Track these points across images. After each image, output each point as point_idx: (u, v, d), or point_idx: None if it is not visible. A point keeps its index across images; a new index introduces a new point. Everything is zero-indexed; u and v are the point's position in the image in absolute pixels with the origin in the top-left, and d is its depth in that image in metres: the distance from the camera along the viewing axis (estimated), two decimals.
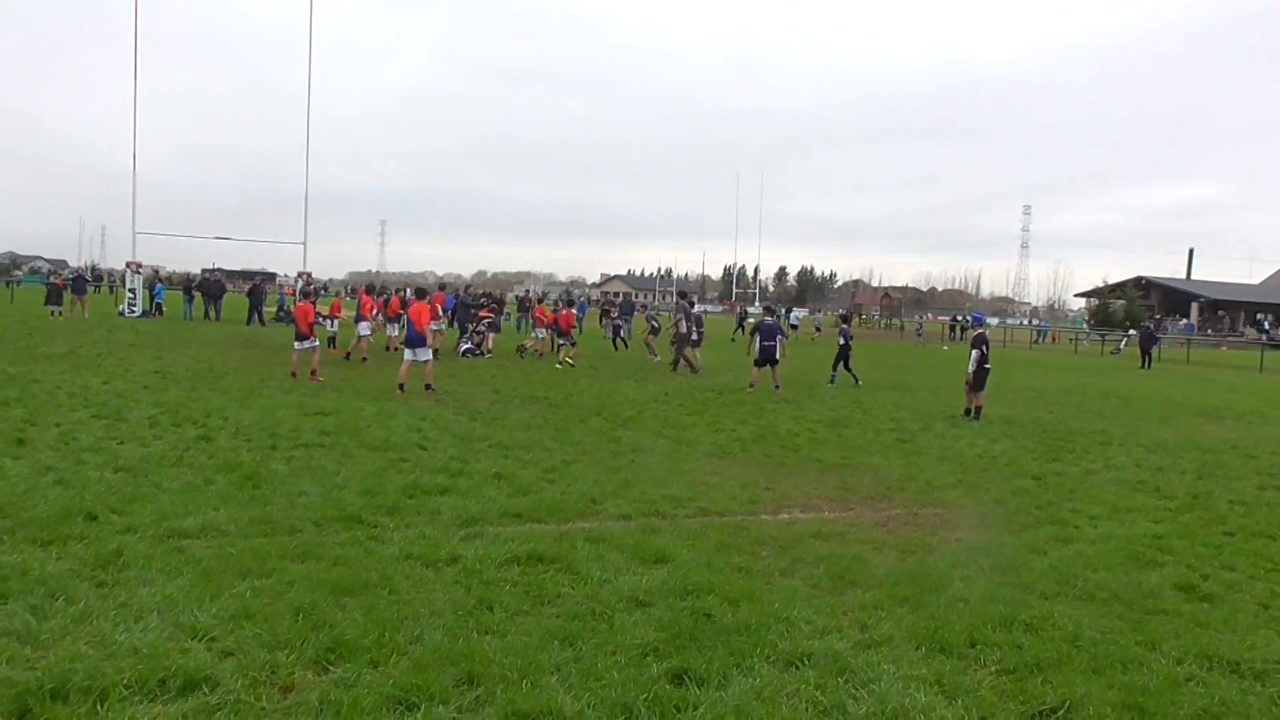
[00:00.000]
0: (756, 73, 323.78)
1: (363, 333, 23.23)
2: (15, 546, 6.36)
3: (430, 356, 17.31)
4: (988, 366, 16.91)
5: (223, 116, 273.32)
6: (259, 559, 6.32)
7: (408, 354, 17.24)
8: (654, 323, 29.65)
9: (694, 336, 25.96)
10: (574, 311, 29.04)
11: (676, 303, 25.38)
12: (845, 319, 27.90)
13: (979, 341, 17.16)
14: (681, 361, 24.20)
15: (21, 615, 5.11)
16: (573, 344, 25.69)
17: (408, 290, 25.54)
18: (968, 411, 16.97)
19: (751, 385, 20.36)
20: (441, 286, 24.34)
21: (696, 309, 25.55)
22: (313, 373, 17.81)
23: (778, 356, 20.51)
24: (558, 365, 23.95)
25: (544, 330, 27.38)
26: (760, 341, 20.55)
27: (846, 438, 13.88)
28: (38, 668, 4.52)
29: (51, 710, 4.08)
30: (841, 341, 24.00)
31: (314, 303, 19.26)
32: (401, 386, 16.64)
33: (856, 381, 23.28)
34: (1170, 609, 6.39)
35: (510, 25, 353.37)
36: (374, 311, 23.96)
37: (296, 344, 18.40)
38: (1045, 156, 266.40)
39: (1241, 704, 4.86)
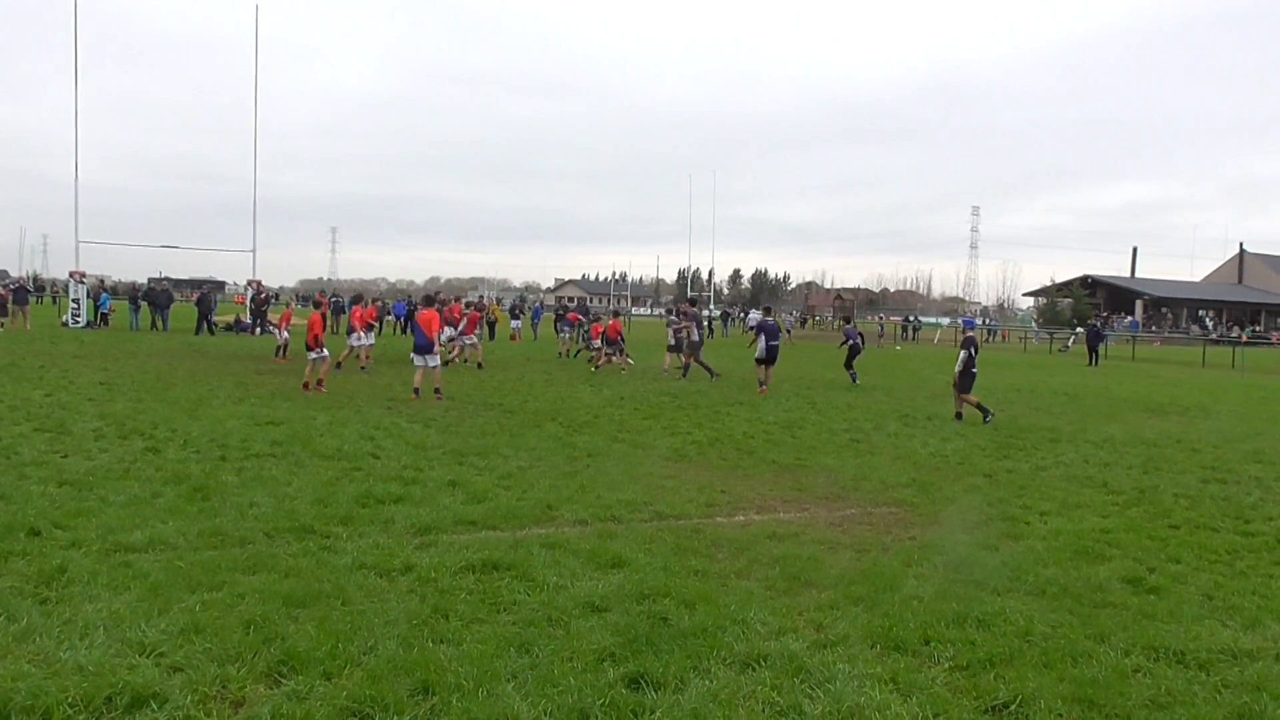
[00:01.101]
0: (709, 77, 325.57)
1: (353, 344, 23.52)
2: None
3: (438, 363, 17.66)
4: (974, 370, 17.15)
5: (168, 123, 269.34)
6: (209, 572, 6.22)
7: (416, 360, 17.50)
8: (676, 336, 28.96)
9: (671, 341, 26.17)
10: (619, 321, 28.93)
11: (687, 310, 25.56)
12: (848, 320, 28.90)
13: (969, 344, 17.41)
14: (691, 367, 24.30)
15: None
16: (622, 352, 26.19)
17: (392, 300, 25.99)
18: (959, 415, 17.12)
19: (762, 385, 20.62)
20: (456, 299, 24.36)
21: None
22: (319, 382, 17.99)
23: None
24: (623, 370, 25.18)
25: (597, 341, 27.38)
26: (766, 341, 20.90)
27: (801, 439, 13.97)
28: None
29: None
30: (851, 342, 24.89)
31: (323, 315, 19.30)
32: (416, 391, 17.16)
33: (854, 380, 23.70)
34: (1118, 602, 6.50)
35: (461, 28, 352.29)
36: (364, 323, 23.91)
37: (310, 354, 18.31)
38: (994, 158, 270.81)
39: (1187, 694, 4.96)
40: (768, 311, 24.64)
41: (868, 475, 11.10)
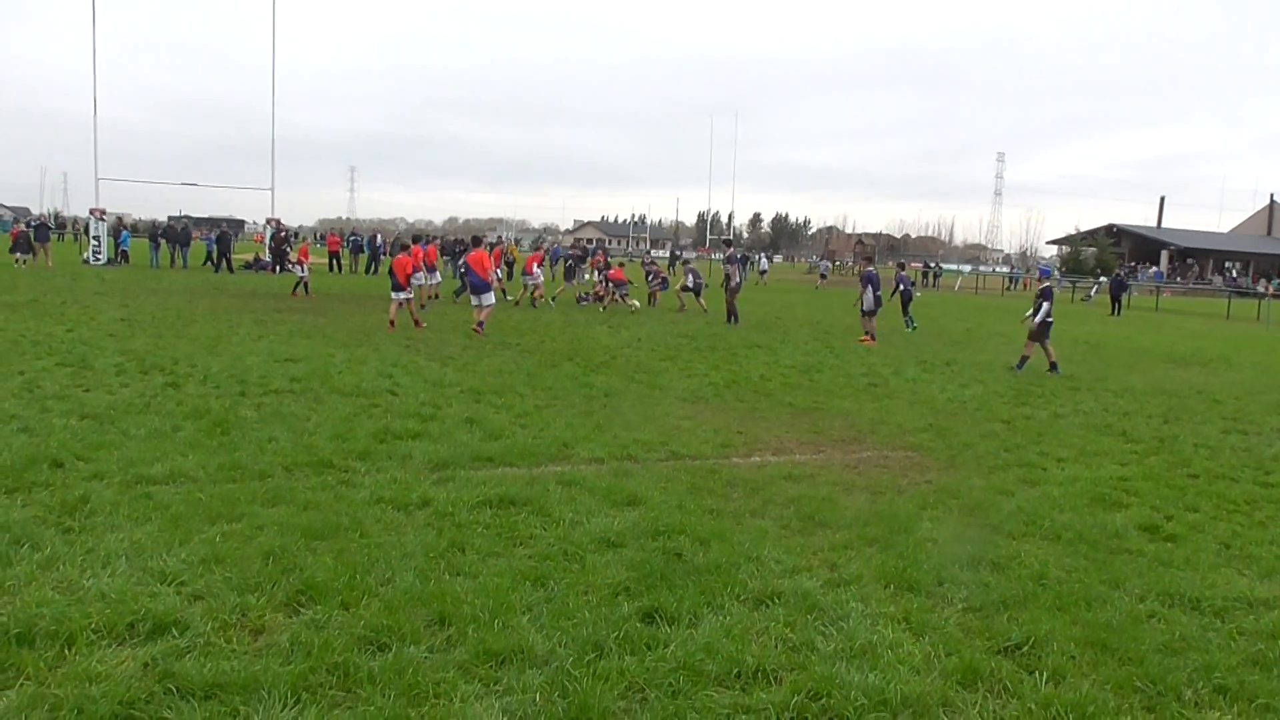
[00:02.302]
0: (733, 17, 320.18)
1: (418, 283, 23.59)
2: None
3: (492, 301, 18.53)
4: (1050, 320, 16.91)
5: (188, 60, 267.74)
6: (228, 504, 6.28)
7: (473, 298, 18.51)
8: (697, 280, 28.56)
9: (690, 284, 26.26)
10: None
11: (730, 254, 25.73)
12: (902, 267, 29.28)
13: (1047, 294, 17.16)
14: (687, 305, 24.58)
15: None
16: (624, 294, 26.67)
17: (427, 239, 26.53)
18: (1022, 361, 16.85)
19: (869, 336, 20.69)
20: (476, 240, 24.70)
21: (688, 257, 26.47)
22: (416, 322, 18.82)
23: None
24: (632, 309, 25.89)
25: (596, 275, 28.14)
26: (873, 291, 20.86)
27: (818, 383, 13.94)
28: (2, 613, 4.47)
29: (17, 655, 4.04)
30: (903, 289, 25.18)
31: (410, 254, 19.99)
32: (480, 324, 17.94)
33: (911, 326, 24.10)
34: (1134, 549, 6.48)
35: None
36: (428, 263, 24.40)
37: (394, 294, 18.89)
38: (1022, 105, 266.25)
39: (1201, 639, 4.95)
40: (869, 261, 24.59)
41: (884, 419, 11.07)
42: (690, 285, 27.08)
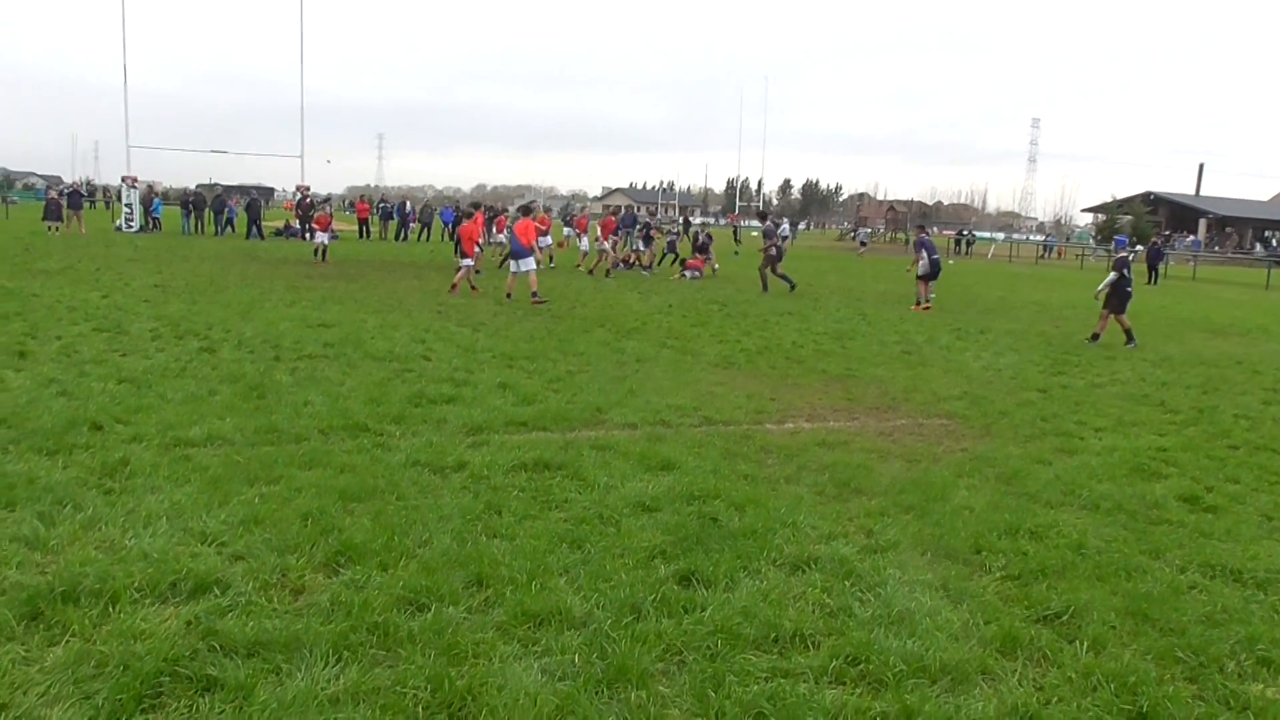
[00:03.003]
0: None
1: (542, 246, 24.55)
2: (21, 456, 6.36)
3: (533, 268, 18.40)
4: (1129, 290, 16.36)
5: (218, 28, 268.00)
6: (266, 466, 6.33)
7: (512, 265, 18.56)
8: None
9: (702, 240, 26.26)
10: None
11: (768, 228, 25.61)
12: (923, 229, 29.27)
13: (1121, 264, 16.80)
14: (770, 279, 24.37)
15: (30, 522, 5.11)
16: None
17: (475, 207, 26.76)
18: (1095, 336, 16.40)
19: (922, 302, 20.57)
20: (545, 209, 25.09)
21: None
22: (452, 287, 19.16)
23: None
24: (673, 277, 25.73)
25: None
26: (929, 256, 20.70)
27: (851, 350, 13.85)
28: (48, 572, 4.53)
29: (63, 612, 4.10)
30: (934, 257, 24.72)
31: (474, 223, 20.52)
32: (509, 294, 18.02)
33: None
34: (1174, 519, 6.40)
35: None
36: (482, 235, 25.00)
37: (460, 261, 19.52)
38: (1057, 70, 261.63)
39: (1243, 611, 4.89)
40: (922, 229, 24.40)
41: (919, 387, 10.99)
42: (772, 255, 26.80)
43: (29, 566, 4.60)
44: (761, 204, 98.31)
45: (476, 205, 25.95)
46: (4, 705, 3.41)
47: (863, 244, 57.62)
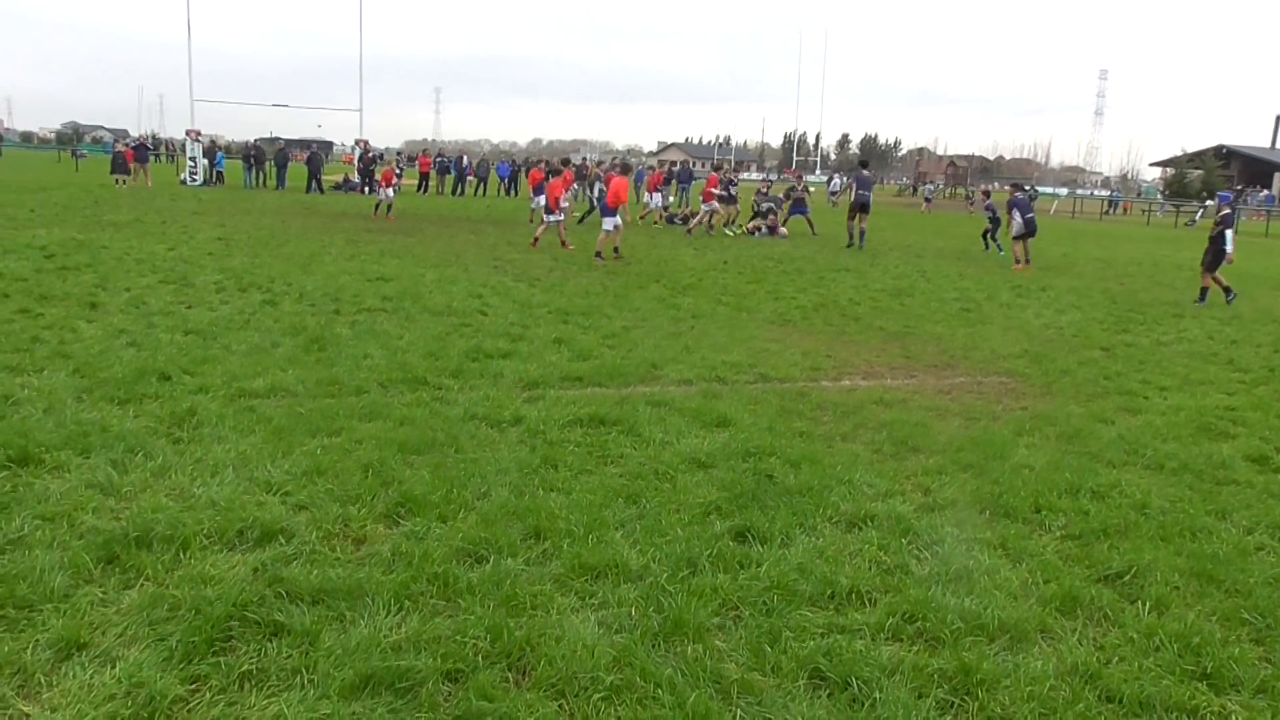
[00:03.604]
0: None
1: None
2: (94, 404, 6.54)
3: (609, 229, 18.37)
4: (1225, 249, 15.97)
5: None
6: (327, 418, 6.44)
7: (605, 223, 18.52)
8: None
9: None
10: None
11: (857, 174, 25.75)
12: (987, 194, 29.00)
13: (1226, 221, 16.35)
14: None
15: (104, 469, 5.27)
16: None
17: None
18: (1204, 293, 15.99)
19: (1022, 261, 20.42)
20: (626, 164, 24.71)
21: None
22: (563, 243, 19.38)
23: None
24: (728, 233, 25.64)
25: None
26: (1022, 215, 20.54)
27: (909, 307, 13.67)
28: (121, 518, 4.68)
29: (137, 557, 4.23)
30: (990, 215, 24.77)
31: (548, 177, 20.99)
32: (603, 253, 17.96)
33: (989, 248, 24.04)
34: (1242, 480, 6.26)
35: None
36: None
37: (546, 217, 19.63)
38: (1125, 18, 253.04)
39: None
40: (1017, 187, 24.01)
41: (978, 345, 10.83)
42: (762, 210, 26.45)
43: (104, 512, 4.75)
44: (819, 157, 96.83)
45: (566, 162, 25.97)
46: (85, 644, 3.54)
47: (927, 200, 56.47)
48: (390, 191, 25.94)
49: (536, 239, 19.67)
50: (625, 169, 22.53)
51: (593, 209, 25.12)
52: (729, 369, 8.72)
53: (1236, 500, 5.83)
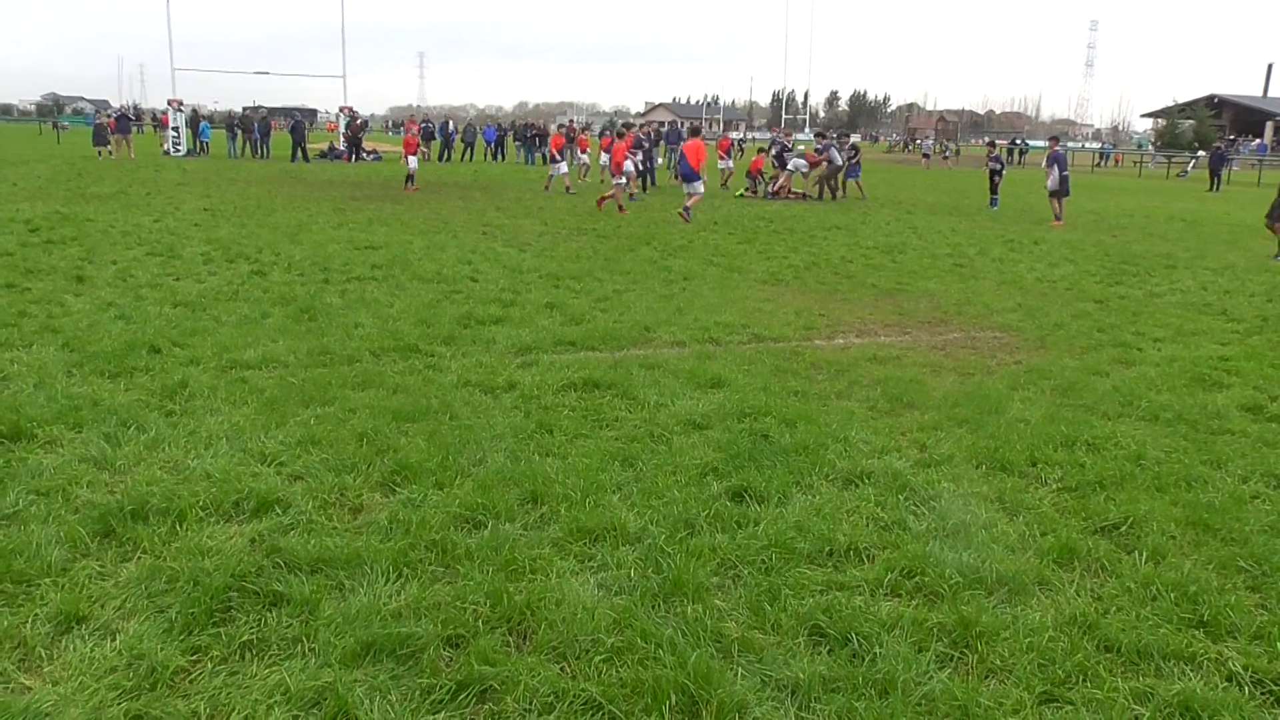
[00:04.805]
0: None
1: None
2: (85, 379, 6.50)
3: (701, 190, 19.17)
4: None
5: None
6: (320, 388, 6.41)
7: (685, 187, 19.12)
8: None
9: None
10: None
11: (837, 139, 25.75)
12: (992, 145, 28.97)
13: None
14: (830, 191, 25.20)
15: (97, 443, 5.24)
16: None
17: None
18: None
19: (1058, 218, 20.44)
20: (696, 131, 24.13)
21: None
22: (619, 207, 19.86)
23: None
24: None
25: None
26: (1059, 172, 20.43)
27: (902, 263, 13.64)
28: (116, 491, 4.66)
29: (133, 530, 4.21)
30: (996, 167, 24.73)
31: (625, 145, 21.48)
32: (686, 211, 18.50)
33: (993, 205, 23.94)
34: (1236, 429, 6.28)
35: None
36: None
37: (615, 180, 20.58)
38: None
39: None
40: (1056, 141, 23.89)
41: (971, 300, 10.81)
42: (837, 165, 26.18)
43: (99, 486, 4.73)
44: (807, 116, 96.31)
45: (629, 125, 26.25)
46: (85, 617, 3.53)
47: (926, 155, 55.75)
48: (414, 161, 24.88)
49: (602, 199, 20.22)
50: (695, 131, 22.71)
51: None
52: (722, 330, 8.70)
53: (1231, 450, 5.84)
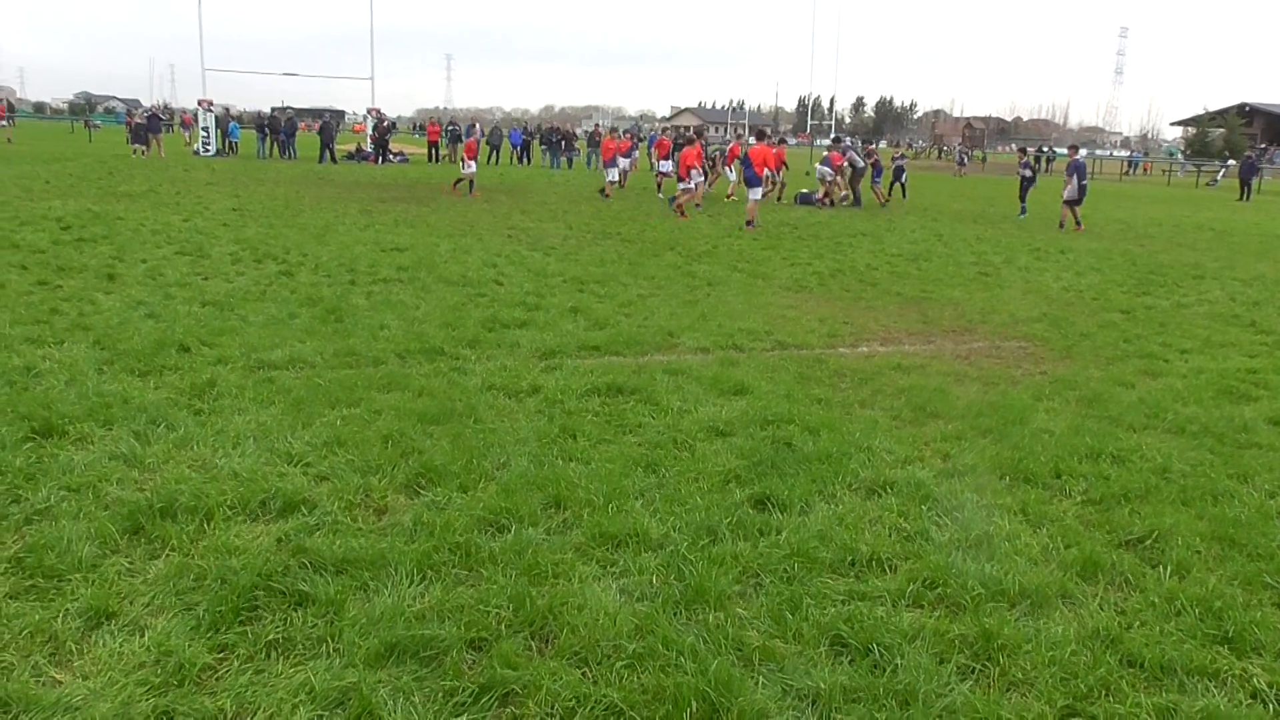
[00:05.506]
0: None
1: (613, 178, 25.20)
2: (115, 376, 6.59)
3: (760, 196, 19.18)
4: None
5: None
6: (346, 389, 6.46)
7: (750, 193, 19.07)
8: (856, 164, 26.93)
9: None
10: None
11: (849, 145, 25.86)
12: (1024, 151, 28.97)
13: None
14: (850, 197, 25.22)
15: (127, 440, 5.31)
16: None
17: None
18: None
19: (1074, 225, 20.49)
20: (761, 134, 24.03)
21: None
22: (680, 210, 20.25)
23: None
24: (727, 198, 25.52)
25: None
26: (1078, 180, 20.43)
27: (926, 271, 13.60)
28: (146, 489, 4.72)
29: (162, 528, 4.27)
30: (1028, 174, 24.72)
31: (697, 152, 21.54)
32: (750, 223, 18.49)
33: (1021, 214, 23.78)
34: (1264, 443, 6.22)
35: None
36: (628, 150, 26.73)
37: (680, 185, 20.92)
38: None
39: None
40: (1075, 150, 23.81)
41: (996, 309, 10.76)
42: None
43: (128, 483, 4.80)
44: (834, 121, 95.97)
45: (699, 133, 26.42)
46: (114, 613, 3.58)
47: (960, 163, 55.60)
48: (474, 166, 24.12)
49: (680, 207, 20.35)
50: (760, 135, 22.65)
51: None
52: (746, 336, 8.70)
53: (1258, 463, 5.79)
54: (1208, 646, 3.67)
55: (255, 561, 3.96)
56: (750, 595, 3.94)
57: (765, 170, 19.91)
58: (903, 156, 30.42)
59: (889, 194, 27.15)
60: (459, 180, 24.52)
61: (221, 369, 6.88)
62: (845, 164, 25.61)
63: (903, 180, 28.31)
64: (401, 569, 3.96)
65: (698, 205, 21.72)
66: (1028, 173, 24.60)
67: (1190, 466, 5.68)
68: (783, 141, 29.09)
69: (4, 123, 45.80)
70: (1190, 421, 6.55)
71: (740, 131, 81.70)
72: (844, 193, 24.97)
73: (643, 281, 11.63)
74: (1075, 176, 20.33)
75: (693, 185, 20.37)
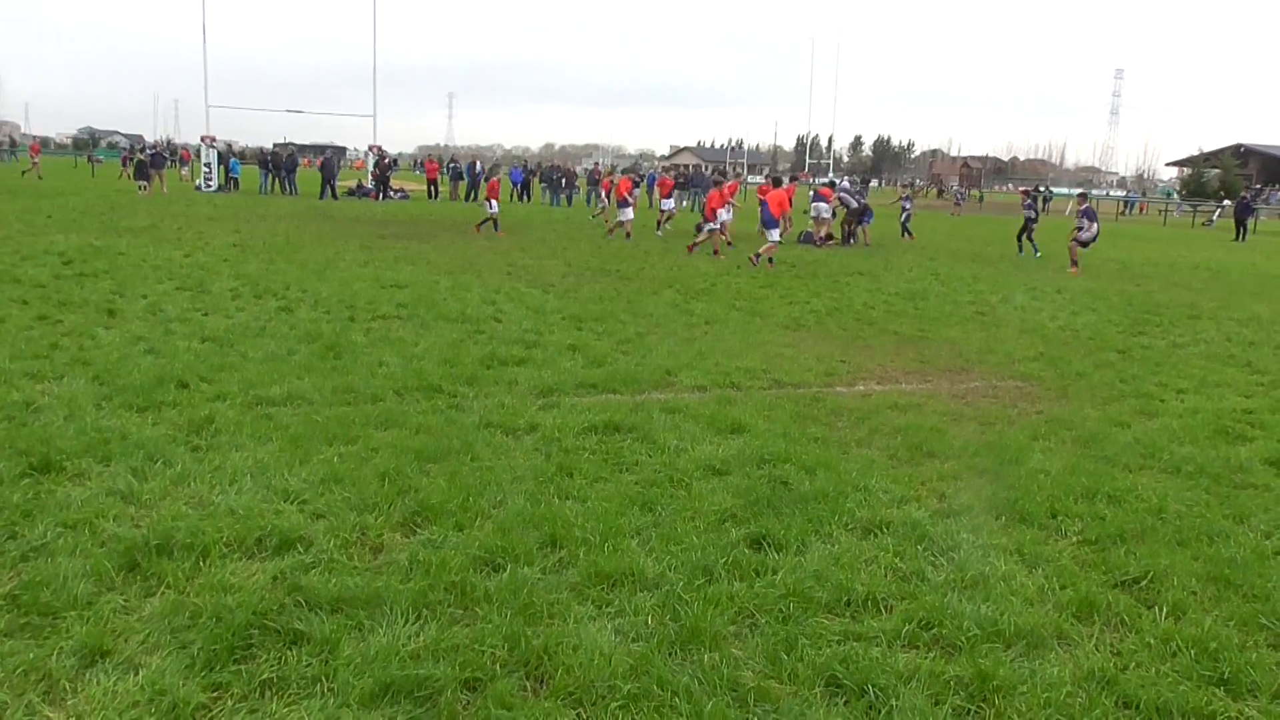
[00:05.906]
0: None
1: (627, 216, 24.62)
2: (113, 412, 6.60)
3: (778, 238, 19.51)
4: None
5: None
6: (344, 426, 6.47)
7: (768, 234, 19.42)
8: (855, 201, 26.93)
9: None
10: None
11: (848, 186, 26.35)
12: (1027, 193, 29.22)
13: None
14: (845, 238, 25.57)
15: (124, 476, 5.32)
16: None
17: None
18: None
19: (1069, 264, 20.71)
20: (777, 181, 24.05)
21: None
22: (694, 245, 20.95)
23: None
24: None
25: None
26: (1088, 221, 20.71)
27: (923, 310, 13.65)
28: (142, 525, 4.72)
29: (158, 564, 4.27)
30: (1031, 215, 24.68)
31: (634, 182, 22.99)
32: (770, 260, 18.92)
33: (1036, 252, 23.86)
34: (1260, 483, 6.23)
35: None
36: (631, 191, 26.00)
37: (705, 224, 21.42)
38: (1141, 17, 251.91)
39: None
40: (1084, 198, 23.97)
41: (993, 348, 10.80)
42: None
43: (125, 519, 4.80)
44: (831, 160, 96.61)
45: (724, 174, 26.73)
46: (108, 651, 3.58)
47: (958, 203, 55.77)
48: (496, 206, 23.96)
49: (716, 249, 20.74)
50: (777, 182, 22.89)
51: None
52: (743, 374, 8.73)
53: (1255, 504, 5.80)
54: (1204, 688, 3.66)
55: (250, 599, 3.96)
56: (746, 635, 3.94)
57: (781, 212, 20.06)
58: (908, 198, 30.31)
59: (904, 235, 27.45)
60: (483, 221, 24.11)
61: (220, 405, 6.89)
62: (836, 203, 25.71)
63: (904, 222, 28.30)
64: (397, 608, 3.96)
65: (730, 244, 21.90)
66: (1031, 214, 24.71)
67: (1186, 507, 5.69)
68: (794, 179, 29.29)
69: (36, 159, 46.42)
70: (1186, 461, 6.57)
71: (739, 170, 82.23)
72: (825, 231, 24.89)
73: (641, 319, 11.68)
74: (1094, 221, 20.61)
75: (717, 225, 20.83)
